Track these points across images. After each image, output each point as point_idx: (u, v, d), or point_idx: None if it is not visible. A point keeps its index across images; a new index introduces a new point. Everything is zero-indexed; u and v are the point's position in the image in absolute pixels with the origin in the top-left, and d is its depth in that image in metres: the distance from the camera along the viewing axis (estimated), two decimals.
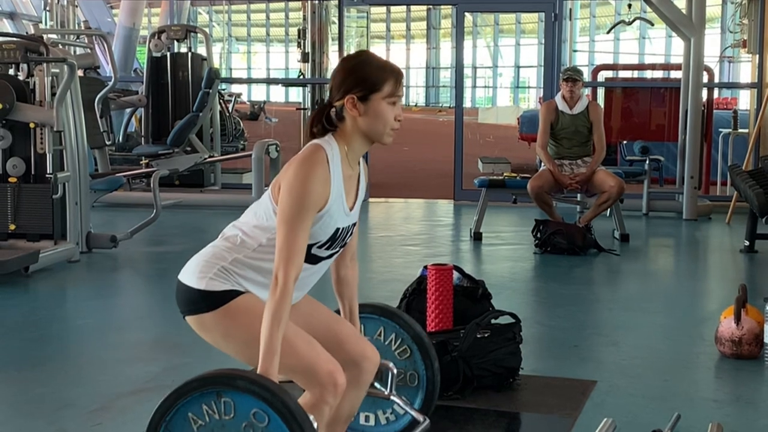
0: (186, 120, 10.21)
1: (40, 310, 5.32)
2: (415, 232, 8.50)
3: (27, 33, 11.77)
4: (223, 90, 13.49)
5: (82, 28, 13.91)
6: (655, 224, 8.76)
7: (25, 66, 6.32)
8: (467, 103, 30.94)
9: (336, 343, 2.57)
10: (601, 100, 11.19)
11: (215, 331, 2.45)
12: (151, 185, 7.10)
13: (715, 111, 10.93)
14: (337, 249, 2.54)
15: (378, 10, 37.32)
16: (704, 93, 9.56)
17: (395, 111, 2.46)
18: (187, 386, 2.30)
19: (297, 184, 2.35)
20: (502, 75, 41.72)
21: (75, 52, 10.31)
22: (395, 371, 2.77)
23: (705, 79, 9.45)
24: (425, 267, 4.05)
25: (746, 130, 9.96)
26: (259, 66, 43.56)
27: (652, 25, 13.06)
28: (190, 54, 10.87)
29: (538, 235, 7.01)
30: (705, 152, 9.79)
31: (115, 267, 6.56)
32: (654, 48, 31.66)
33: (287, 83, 32.04)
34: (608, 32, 31.26)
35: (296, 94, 28.30)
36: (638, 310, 5.33)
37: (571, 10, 16.60)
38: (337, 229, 2.47)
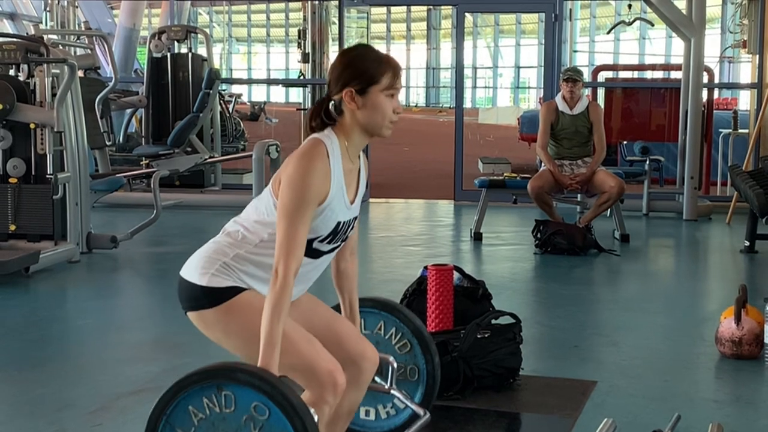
0: (186, 120, 10.21)
1: (40, 310, 5.33)
2: (415, 232, 8.50)
3: (27, 33, 11.77)
4: (224, 90, 13.49)
5: (83, 28, 13.90)
6: (655, 224, 8.76)
7: (25, 66, 6.32)
8: (467, 104, 30.95)
9: (336, 342, 2.58)
10: (601, 100, 11.18)
11: (216, 327, 2.46)
12: (152, 186, 7.10)
13: (715, 111, 10.92)
14: (339, 243, 2.54)
15: (378, 11, 37.33)
16: (704, 93, 9.56)
17: (393, 103, 2.47)
18: (187, 379, 2.30)
19: (297, 178, 2.35)
20: (503, 75, 41.71)
21: (75, 52, 10.31)
22: (395, 365, 2.78)
23: (705, 79, 9.45)
24: (425, 267, 4.06)
25: (746, 131, 9.96)
26: (260, 66, 43.56)
27: (653, 25, 13.06)
28: (190, 54, 10.87)
29: (539, 235, 7.01)
30: (705, 152, 9.79)
31: (115, 267, 6.56)
32: (654, 48, 31.65)
33: (287, 84, 32.05)
34: (608, 33, 31.26)
35: (296, 95, 28.33)
36: (638, 310, 5.33)
37: (571, 10, 16.62)
38: (339, 223, 2.47)
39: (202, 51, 11.17)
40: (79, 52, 10.33)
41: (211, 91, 10.30)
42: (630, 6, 13.93)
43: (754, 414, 3.58)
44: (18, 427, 3.39)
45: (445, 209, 9.96)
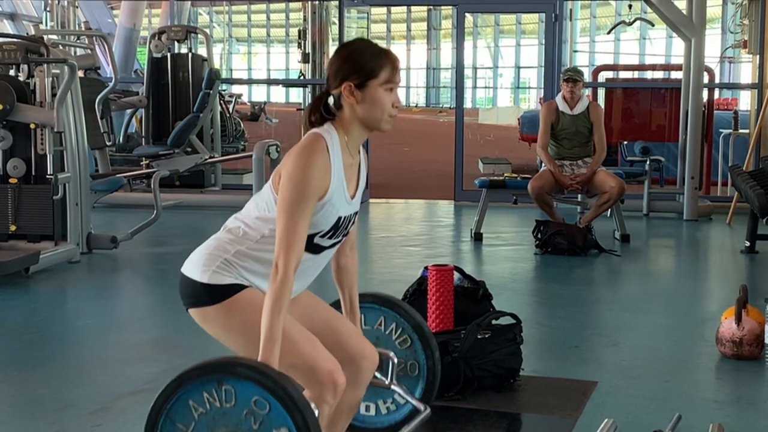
0: (186, 121, 10.21)
1: (40, 311, 5.33)
2: (415, 232, 8.50)
3: (27, 34, 11.77)
4: (224, 91, 13.48)
5: (83, 29, 13.90)
6: (655, 225, 8.76)
7: (25, 67, 6.32)
8: (468, 104, 30.92)
9: (336, 341, 2.57)
10: (601, 100, 11.18)
11: (217, 324, 2.46)
12: (152, 186, 7.10)
13: (715, 111, 10.92)
14: (340, 238, 2.54)
15: (378, 11, 37.32)
16: (705, 93, 9.56)
17: (392, 97, 2.46)
18: (188, 374, 2.31)
19: (297, 172, 2.35)
20: (503, 75, 41.68)
21: (75, 52, 10.30)
22: (396, 361, 2.78)
23: (705, 79, 9.45)
24: (426, 268, 4.05)
25: (747, 131, 9.96)
26: (260, 67, 43.54)
27: (653, 25, 13.06)
28: (190, 55, 10.87)
29: (539, 235, 7.01)
30: (705, 153, 9.79)
31: (115, 268, 6.56)
32: (654, 48, 31.64)
33: (288, 84, 32.02)
34: (609, 33, 31.25)
35: (297, 95, 28.30)
36: (639, 310, 5.33)
37: (571, 10, 16.61)
38: (340, 218, 2.47)
39: (202, 51, 11.16)
40: (80, 52, 10.32)
41: (211, 92, 10.29)
42: (630, 6, 13.92)
43: (755, 414, 3.58)
44: (18, 427, 3.39)
45: (446, 209, 9.96)
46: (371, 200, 10.07)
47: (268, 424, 2.23)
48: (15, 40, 6.85)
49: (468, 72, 34.08)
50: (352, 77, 2.42)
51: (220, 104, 11.97)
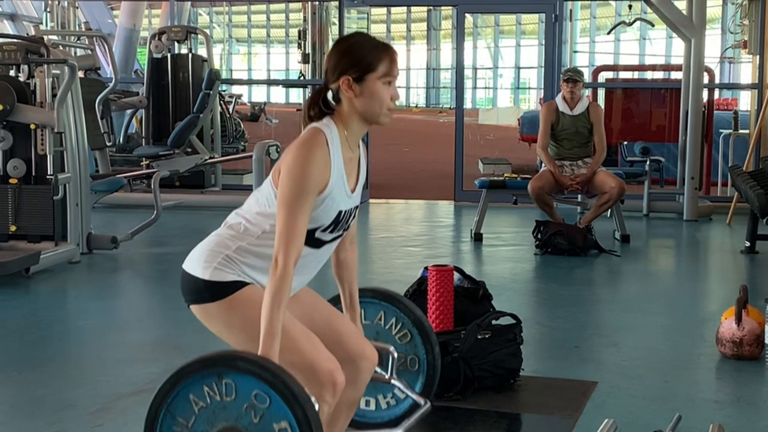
0: (186, 121, 10.21)
1: (40, 311, 5.33)
2: (415, 233, 8.50)
3: (28, 34, 11.77)
4: (224, 91, 13.48)
5: (83, 29, 13.91)
6: (655, 225, 8.76)
7: (25, 67, 6.32)
8: (468, 104, 30.94)
9: (336, 341, 2.58)
10: (601, 101, 11.19)
11: (218, 321, 2.46)
12: (152, 186, 7.10)
13: (715, 112, 10.92)
14: (341, 232, 2.54)
15: (378, 11, 37.33)
16: (705, 94, 9.56)
17: (391, 91, 2.46)
18: (188, 368, 2.31)
19: (296, 167, 2.36)
20: (503, 76, 41.69)
21: (76, 53, 10.31)
22: (396, 355, 2.78)
23: (705, 79, 9.45)
24: (426, 268, 4.05)
25: (747, 131, 9.96)
26: (260, 67, 43.56)
27: (653, 26, 13.06)
28: (190, 55, 10.87)
29: (539, 236, 7.01)
30: (705, 153, 9.79)
31: (115, 268, 6.56)
32: (654, 49, 31.65)
33: (288, 84, 32.05)
34: (609, 33, 31.27)
35: (297, 96, 28.32)
36: (639, 311, 5.33)
37: (571, 11, 16.63)
38: (340, 212, 2.48)
39: (202, 51, 11.17)
40: (80, 52, 10.33)
41: (211, 92, 10.30)
42: (630, 6, 13.93)
43: (755, 415, 3.58)
44: (18, 427, 3.39)
45: (446, 210, 9.96)
46: (371, 200, 10.07)
47: (269, 418, 2.23)
48: (15, 40, 6.85)
49: (468, 72, 34.10)
50: (351, 71, 2.42)
51: (220, 105, 11.98)
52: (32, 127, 6.24)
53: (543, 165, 7.45)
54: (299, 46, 13.52)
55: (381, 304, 2.95)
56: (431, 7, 37.52)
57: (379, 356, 2.70)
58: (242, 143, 14.29)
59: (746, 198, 6.92)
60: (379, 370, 2.76)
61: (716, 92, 13.81)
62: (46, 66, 6.31)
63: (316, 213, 2.41)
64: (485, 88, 41.41)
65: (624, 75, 15.99)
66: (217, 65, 14.96)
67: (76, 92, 6.64)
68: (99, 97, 8.84)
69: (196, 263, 2.46)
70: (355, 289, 2.75)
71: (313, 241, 2.45)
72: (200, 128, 10.31)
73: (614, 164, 10.42)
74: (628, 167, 9.39)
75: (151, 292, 6.06)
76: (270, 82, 39.08)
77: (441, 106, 38.98)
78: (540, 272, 6.62)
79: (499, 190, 7.71)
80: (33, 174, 6.31)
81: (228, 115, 13.67)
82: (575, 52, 28.95)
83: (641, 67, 25.35)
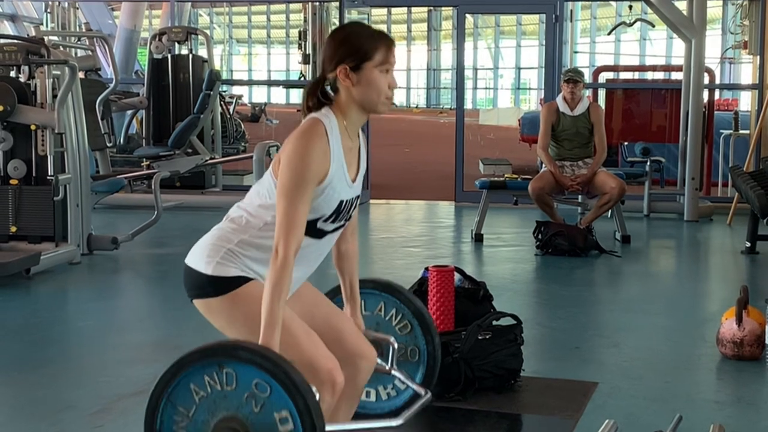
0: (187, 122, 10.21)
1: (41, 312, 5.33)
2: (416, 233, 8.50)
3: (28, 35, 11.77)
4: (224, 92, 13.49)
5: (83, 30, 13.91)
6: (656, 226, 8.76)
7: (26, 68, 6.32)
8: (468, 105, 30.92)
9: (336, 339, 2.58)
10: (602, 101, 11.18)
11: (221, 315, 2.47)
12: (152, 187, 7.10)
13: (716, 112, 10.92)
14: (343, 222, 2.54)
15: (379, 12, 37.31)
16: (705, 94, 9.56)
17: (388, 79, 2.46)
18: (188, 357, 2.31)
19: (295, 158, 2.36)
20: (503, 76, 41.69)
21: (76, 54, 10.31)
22: (396, 346, 2.78)
23: (706, 80, 9.45)
24: (426, 268, 4.05)
25: (747, 132, 9.96)
26: (260, 68, 43.57)
27: (653, 26, 13.06)
28: (191, 56, 10.87)
29: (539, 236, 7.01)
30: (706, 153, 9.79)
31: (116, 269, 6.56)
32: (655, 49, 31.64)
33: (288, 85, 32.02)
34: (609, 34, 31.25)
35: (297, 96, 28.29)
36: (639, 311, 5.32)
37: (571, 11, 16.59)
38: (341, 201, 2.48)
39: (202, 52, 11.17)
40: (80, 53, 10.33)
41: (211, 93, 10.29)
42: (631, 7, 13.96)
43: (756, 415, 3.58)
44: (19, 428, 3.39)
45: (446, 210, 9.96)
46: (371, 201, 10.06)
47: (269, 407, 2.23)
48: (16, 41, 6.85)
49: (468, 73, 34.09)
50: (347, 60, 2.42)
51: (221, 105, 11.98)
52: (33, 127, 6.24)
53: (543, 165, 7.45)
54: (300, 47, 13.51)
55: (381, 295, 2.96)
56: (432, 8, 37.50)
57: (379, 347, 2.71)
58: (243, 144, 14.30)
59: (747, 198, 6.92)
60: (379, 361, 2.76)
61: (717, 93, 13.80)
62: (46, 67, 6.31)
63: (317, 203, 2.41)
64: (486, 88, 41.41)
65: (624, 75, 15.97)
66: (217, 66, 14.97)
67: (77, 93, 6.64)
68: (99, 98, 8.84)
69: (199, 258, 2.47)
70: (355, 280, 2.75)
71: (315, 231, 2.45)
72: (201, 129, 10.31)
73: (615, 165, 10.41)
74: (628, 168, 9.39)
75: (152, 293, 6.05)
76: (270, 83, 39.04)
77: (441, 106, 38.97)
78: (540, 273, 6.62)
79: (499, 190, 7.70)
80: (33, 175, 6.31)
81: (228, 116, 13.68)
82: (576, 52, 28.92)
83: (642, 68, 25.32)
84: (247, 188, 2.59)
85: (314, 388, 2.27)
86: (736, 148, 9.96)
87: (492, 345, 3.71)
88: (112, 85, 9.29)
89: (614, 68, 21.97)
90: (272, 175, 2.45)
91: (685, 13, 8.93)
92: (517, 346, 3.79)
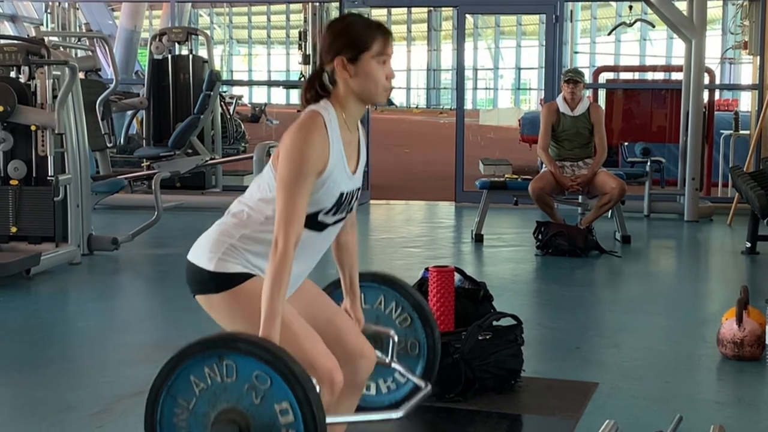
0: (187, 122, 10.22)
1: (41, 312, 5.33)
2: (416, 234, 8.50)
3: (28, 35, 11.77)
4: (224, 92, 13.49)
5: (84, 30, 13.91)
6: (656, 226, 8.76)
7: (26, 68, 6.32)
8: (468, 105, 30.93)
9: (335, 338, 2.58)
10: (602, 101, 11.18)
11: (222, 311, 2.47)
12: (153, 187, 7.10)
13: (716, 112, 10.92)
14: (344, 214, 2.54)
15: (379, 12, 37.30)
16: (705, 94, 9.56)
17: (386, 70, 2.46)
18: (188, 349, 2.31)
19: (294, 150, 2.36)
20: (503, 77, 41.72)
21: (76, 54, 10.31)
22: (396, 339, 2.78)
23: (706, 80, 9.45)
24: (426, 269, 4.05)
25: (747, 132, 9.96)
26: (260, 68, 43.59)
27: (653, 26, 13.06)
28: (191, 56, 10.87)
29: (540, 236, 7.01)
30: (706, 154, 9.79)
31: (116, 269, 6.56)
32: (655, 50, 31.66)
33: (288, 85, 32.02)
34: (609, 34, 31.25)
35: (297, 97, 28.27)
36: (640, 311, 5.32)
37: (572, 11, 16.59)
38: (342, 194, 2.48)
39: (202, 53, 11.17)
40: (80, 53, 10.33)
41: (211, 93, 10.30)
42: (631, 7, 13.96)
43: (756, 415, 3.58)
44: (19, 428, 3.39)
45: (446, 211, 9.96)
46: (372, 201, 10.06)
47: (270, 399, 2.23)
48: (16, 41, 6.85)
49: (468, 73, 34.09)
50: (344, 51, 2.42)
51: (221, 106, 11.98)
52: (33, 128, 6.24)
53: (544, 166, 7.45)
54: (300, 47, 13.48)
55: (381, 288, 2.96)
56: (432, 8, 37.53)
57: (379, 340, 2.71)
58: (243, 144, 14.30)
59: (747, 199, 6.92)
60: (379, 354, 2.76)
61: (717, 93, 13.79)
62: (46, 67, 6.31)
63: (318, 195, 2.41)
64: (486, 89, 41.43)
65: (625, 76, 15.97)
66: (217, 66, 14.97)
67: (77, 93, 6.65)
68: (100, 99, 8.85)
69: (201, 253, 2.47)
70: (355, 273, 2.75)
71: (315, 224, 2.45)
72: (201, 129, 10.32)
73: (615, 165, 10.41)
74: (628, 168, 9.39)
75: (152, 293, 6.05)
76: (270, 83, 39.08)
77: (441, 107, 38.99)
78: (541, 273, 6.62)
79: (499, 190, 7.70)
80: (34, 175, 6.32)
81: (229, 116, 13.68)
82: (576, 52, 28.93)
83: (642, 68, 25.33)
84: (247, 189, 2.59)
85: (314, 380, 2.27)
86: (737, 149, 9.96)
87: (492, 345, 3.70)
88: (112, 86, 9.30)
89: (614, 68, 21.96)
90: (272, 169, 2.45)
91: (685, 13, 8.93)
92: (517, 346, 3.79)
